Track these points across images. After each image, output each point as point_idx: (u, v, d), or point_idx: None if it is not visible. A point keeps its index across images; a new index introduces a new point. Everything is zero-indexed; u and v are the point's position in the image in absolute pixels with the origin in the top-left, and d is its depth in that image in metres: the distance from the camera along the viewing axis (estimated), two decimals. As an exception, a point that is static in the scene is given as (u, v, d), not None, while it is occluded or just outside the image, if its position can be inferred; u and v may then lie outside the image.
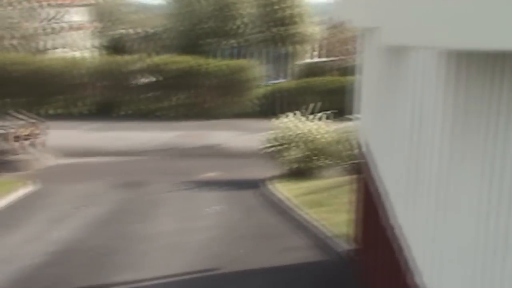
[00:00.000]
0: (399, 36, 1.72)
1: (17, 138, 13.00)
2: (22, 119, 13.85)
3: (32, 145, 13.30)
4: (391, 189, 3.89)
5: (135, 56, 20.99)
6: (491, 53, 1.74)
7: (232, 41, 26.97)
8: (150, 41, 25.90)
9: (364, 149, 5.89)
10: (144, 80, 20.59)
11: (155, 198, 10.54)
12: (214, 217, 9.17)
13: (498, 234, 1.72)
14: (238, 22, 26.85)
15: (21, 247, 7.63)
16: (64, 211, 9.49)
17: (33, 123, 13.66)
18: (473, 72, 1.99)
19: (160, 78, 20.27)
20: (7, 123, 13.47)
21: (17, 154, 12.82)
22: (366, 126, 5.64)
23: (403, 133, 3.37)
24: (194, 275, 6.81)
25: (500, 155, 1.72)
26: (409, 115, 3.17)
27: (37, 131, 13.47)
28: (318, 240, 7.89)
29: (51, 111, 18.77)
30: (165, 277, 6.68)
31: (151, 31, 26.45)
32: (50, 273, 6.67)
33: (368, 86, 5.52)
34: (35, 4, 21.44)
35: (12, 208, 9.86)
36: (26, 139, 13.18)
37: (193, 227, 8.61)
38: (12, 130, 13.04)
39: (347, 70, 20.52)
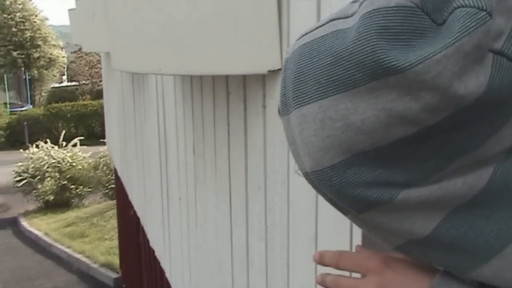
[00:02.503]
0: (124, 62, 1.68)
1: None
2: None
3: None
4: (147, 212, 3.86)
5: None
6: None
7: (-34, 66, 24.21)
8: None
9: (119, 172, 5.77)
10: None
11: None
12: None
13: (239, 250, 1.79)
14: (-30, 45, 24.20)
15: None
16: None
17: None
18: (203, 90, 2.07)
19: None
20: None
21: None
22: (117, 149, 5.53)
23: (152, 155, 3.36)
24: None
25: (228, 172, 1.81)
26: (156, 137, 3.17)
27: None
28: (82, 273, 7.47)
29: None
30: None
31: None
32: None
33: (113, 109, 5.42)
34: None
35: None
36: None
37: None
38: None
39: (99, 93, 20.08)
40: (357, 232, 1.07)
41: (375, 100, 0.43)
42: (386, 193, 0.47)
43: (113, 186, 10.44)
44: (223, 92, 1.84)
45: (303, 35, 0.51)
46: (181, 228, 2.66)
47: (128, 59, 1.76)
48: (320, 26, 0.49)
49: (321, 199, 1.24)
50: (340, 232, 1.15)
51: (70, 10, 5.12)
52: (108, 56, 5.16)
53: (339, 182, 0.47)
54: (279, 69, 1.40)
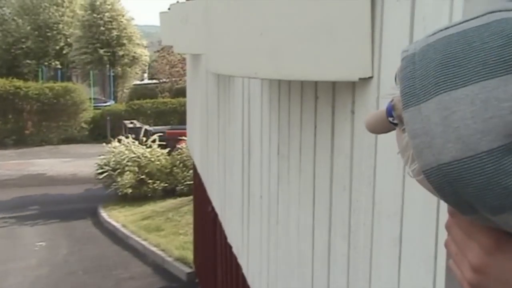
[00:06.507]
0: (221, 66, 1.80)
1: None
2: None
3: None
4: (226, 209, 4.00)
5: None
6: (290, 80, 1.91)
7: (56, 62, 25.57)
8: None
9: (198, 169, 5.98)
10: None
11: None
12: (40, 254, 8.49)
13: (320, 248, 1.87)
14: (61, 42, 25.55)
15: None
16: None
17: None
18: (291, 95, 2.16)
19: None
20: None
21: None
22: (198, 147, 5.74)
23: (235, 154, 3.49)
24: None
25: (315, 172, 1.89)
26: (239, 137, 3.30)
27: None
28: (157, 266, 7.78)
29: None
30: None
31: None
32: None
33: (196, 108, 5.63)
34: None
35: None
36: None
37: (13, 268, 7.85)
38: None
39: (178, 92, 20.72)
40: (443, 235, 1.13)
41: None
42: None
43: (188, 183, 10.77)
44: (311, 97, 1.93)
45: (441, 30, 0.51)
46: (261, 225, 2.77)
47: (225, 62, 1.88)
48: (472, 19, 0.50)
49: (407, 201, 1.29)
50: (426, 234, 1.20)
51: (161, 13, 5.38)
52: (194, 58, 5.39)
53: (494, 169, 0.44)
54: (370, 77, 1.47)
